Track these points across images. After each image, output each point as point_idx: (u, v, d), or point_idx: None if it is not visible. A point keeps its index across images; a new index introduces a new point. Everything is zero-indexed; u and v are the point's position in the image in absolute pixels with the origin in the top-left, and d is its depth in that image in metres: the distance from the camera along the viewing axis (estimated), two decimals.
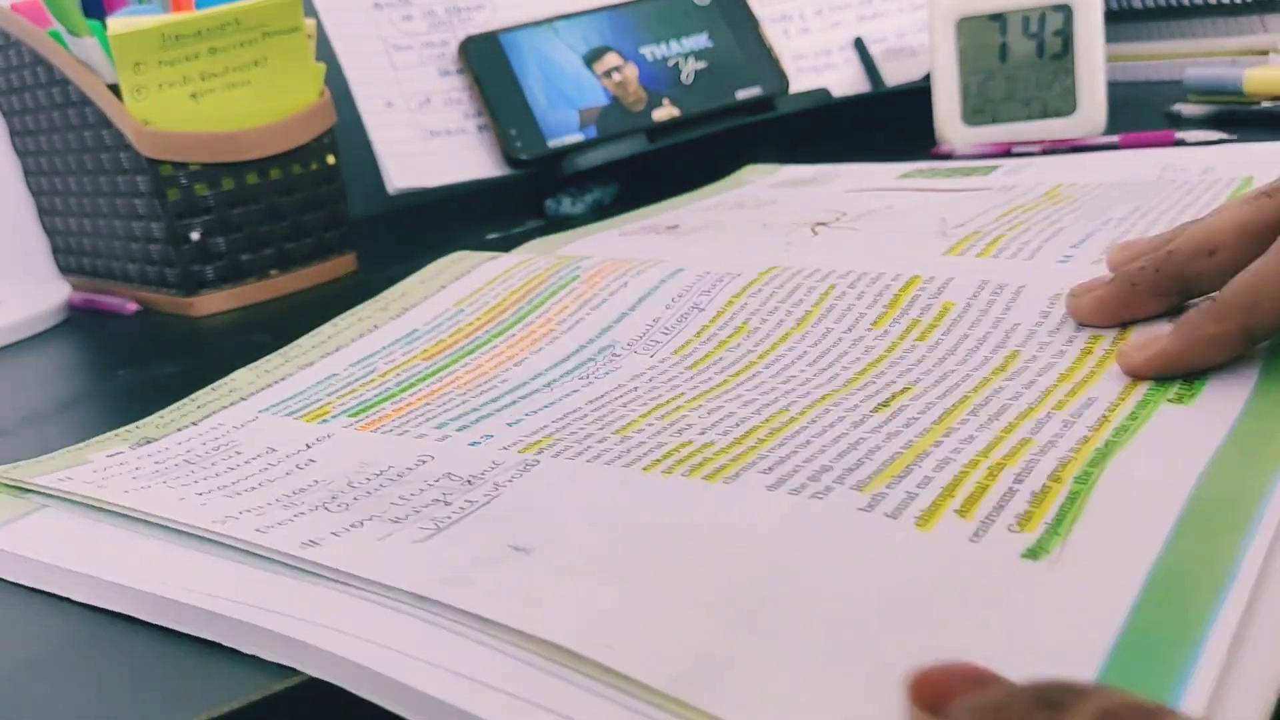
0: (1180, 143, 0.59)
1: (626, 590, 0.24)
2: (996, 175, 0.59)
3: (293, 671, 0.24)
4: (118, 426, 0.40)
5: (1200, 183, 0.51)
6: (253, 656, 0.25)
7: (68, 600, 0.28)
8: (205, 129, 0.57)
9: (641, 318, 0.42)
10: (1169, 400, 0.30)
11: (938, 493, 0.26)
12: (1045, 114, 0.65)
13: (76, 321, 0.62)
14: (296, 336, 0.45)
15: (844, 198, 0.58)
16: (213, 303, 0.59)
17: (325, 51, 0.66)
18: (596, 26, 0.74)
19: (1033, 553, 0.23)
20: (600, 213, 0.67)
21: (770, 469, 0.29)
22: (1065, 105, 0.64)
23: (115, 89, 0.56)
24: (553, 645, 0.22)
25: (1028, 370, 0.33)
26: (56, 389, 0.50)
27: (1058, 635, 0.20)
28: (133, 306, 0.62)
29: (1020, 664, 0.19)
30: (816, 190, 0.61)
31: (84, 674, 0.25)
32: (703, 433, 0.32)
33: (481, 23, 0.73)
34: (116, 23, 0.54)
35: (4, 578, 0.30)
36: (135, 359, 0.52)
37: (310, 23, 0.61)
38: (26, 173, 0.69)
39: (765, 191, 0.63)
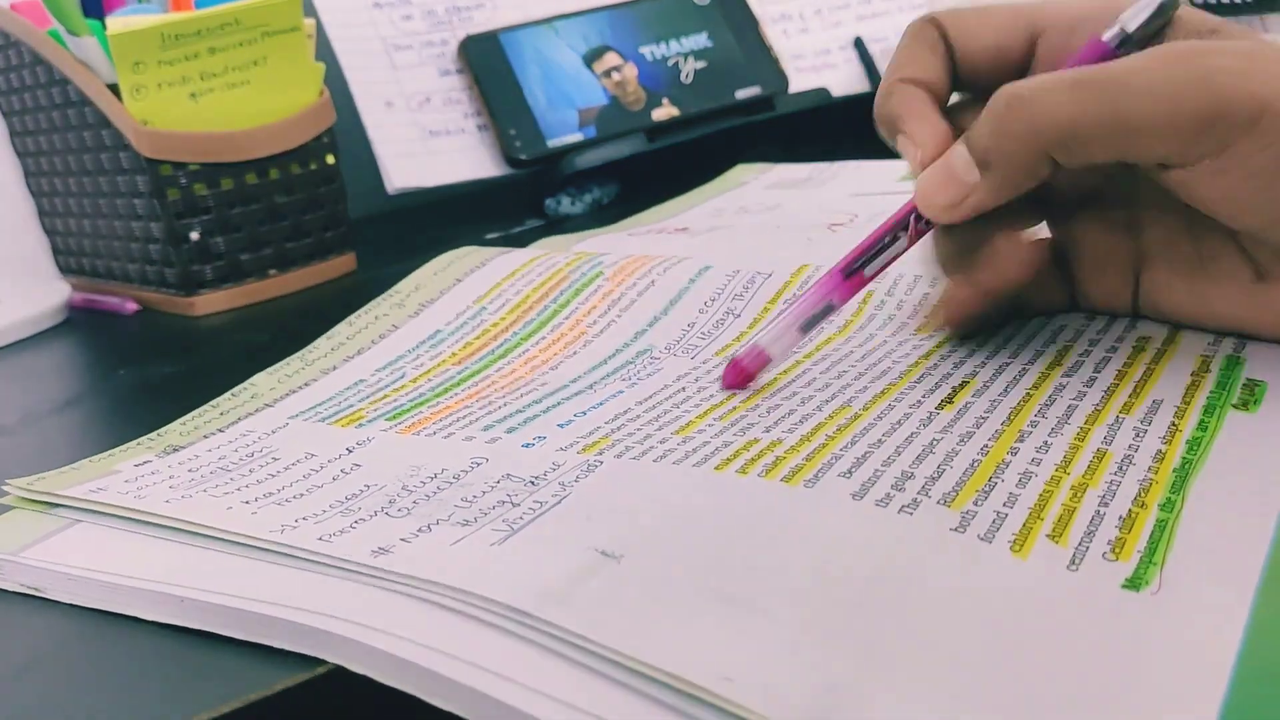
0: None
1: (733, 610, 0.23)
2: None
3: (293, 668, 0.24)
4: (119, 426, 0.39)
5: None
6: (256, 653, 0.25)
7: (58, 600, 0.28)
8: (205, 129, 0.57)
9: (676, 321, 0.42)
10: (1234, 406, 0.29)
11: (1026, 514, 0.25)
12: None
13: (76, 321, 0.62)
14: (296, 336, 0.45)
15: (849, 201, 0.58)
16: (212, 302, 0.59)
17: (325, 51, 0.66)
18: (596, 26, 0.74)
19: (1133, 583, 0.23)
20: (600, 212, 0.68)
21: (850, 472, 0.28)
22: None
23: (115, 89, 0.56)
24: (666, 675, 0.20)
25: (1085, 365, 0.33)
26: (56, 389, 0.50)
27: (1175, 669, 0.20)
28: (133, 306, 0.62)
29: (1143, 698, 0.19)
30: (818, 192, 0.61)
31: (84, 674, 0.25)
32: (767, 430, 0.31)
33: (481, 22, 0.73)
34: (116, 22, 0.54)
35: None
36: (135, 359, 0.52)
37: (310, 23, 0.61)
38: (26, 173, 0.69)
39: (765, 193, 0.63)
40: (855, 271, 0.34)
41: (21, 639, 0.27)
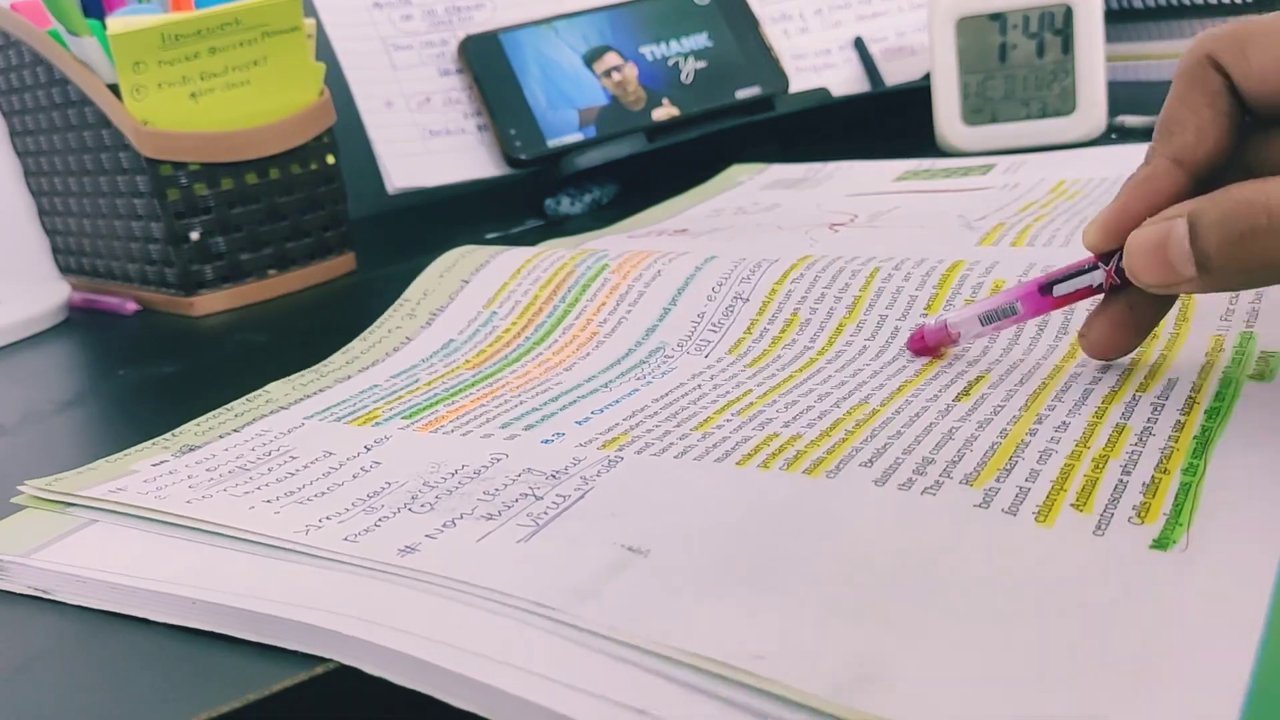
0: None
1: (762, 595, 0.23)
2: (995, 174, 0.59)
3: (293, 668, 0.24)
4: (119, 426, 0.39)
5: None
6: (255, 653, 0.25)
7: (57, 600, 0.29)
8: (205, 129, 0.57)
9: (685, 313, 0.42)
10: (1250, 377, 0.30)
11: (1049, 486, 0.26)
12: (1045, 114, 0.65)
13: (76, 321, 0.62)
14: (296, 336, 0.45)
15: (848, 201, 0.58)
16: (212, 302, 0.59)
17: (325, 51, 0.66)
18: (596, 26, 0.74)
19: (1160, 543, 0.23)
20: (599, 212, 0.68)
21: (870, 461, 0.28)
22: (1065, 105, 0.64)
23: (115, 89, 0.56)
24: (698, 659, 0.21)
25: None
26: (56, 389, 0.50)
27: (1205, 624, 0.21)
28: (132, 306, 0.62)
29: (1174, 654, 0.19)
30: (815, 193, 0.61)
31: (82, 673, 0.25)
32: (786, 425, 0.31)
33: (481, 22, 0.73)
34: (116, 22, 0.54)
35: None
36: (135, 359, 0.52)
37: (310, 22, 0.61)
38: (26, 173, 0.69)
39: (762, 194, 0.63)
40: (1048, 288, 0.33)
41: (20, 638, 0.27)
